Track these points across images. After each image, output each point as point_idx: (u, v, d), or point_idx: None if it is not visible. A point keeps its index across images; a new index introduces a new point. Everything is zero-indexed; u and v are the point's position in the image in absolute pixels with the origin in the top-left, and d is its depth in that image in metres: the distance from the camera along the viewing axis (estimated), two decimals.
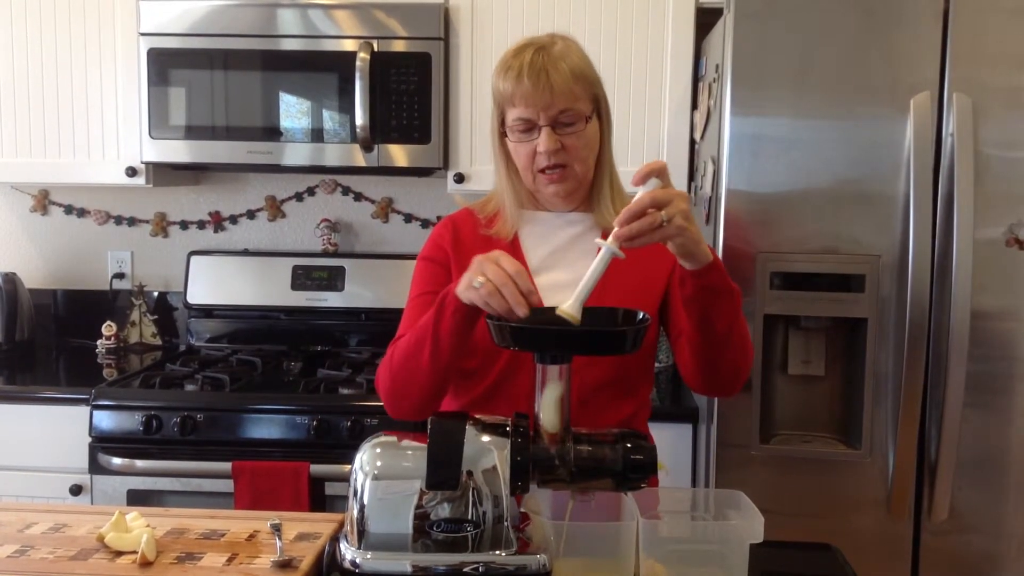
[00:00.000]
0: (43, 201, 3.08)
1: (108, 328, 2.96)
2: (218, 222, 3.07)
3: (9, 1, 2.66)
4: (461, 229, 1.59)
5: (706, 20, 2.48)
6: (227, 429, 2.31)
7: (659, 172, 1.24)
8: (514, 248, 1.55)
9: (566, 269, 1.52)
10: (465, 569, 1.12)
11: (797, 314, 2.12)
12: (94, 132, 2.69)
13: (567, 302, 1.20)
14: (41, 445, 2.40)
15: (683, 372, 1.50)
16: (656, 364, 2.73)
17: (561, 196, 1.54)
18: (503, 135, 1.52)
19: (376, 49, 2.50)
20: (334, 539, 1.23)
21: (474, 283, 1.25)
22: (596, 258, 1.21)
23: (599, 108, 1.52)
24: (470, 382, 1.54)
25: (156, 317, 3.04)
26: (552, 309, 1.22)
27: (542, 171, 1.49)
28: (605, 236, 1.23)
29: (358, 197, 3.03)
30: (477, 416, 1.21)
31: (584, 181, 1.53)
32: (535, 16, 2.54)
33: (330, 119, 2.58)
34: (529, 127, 1.47)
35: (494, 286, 1.23)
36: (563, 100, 1.44)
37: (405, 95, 2.52)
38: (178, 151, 2.60)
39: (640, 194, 1.22)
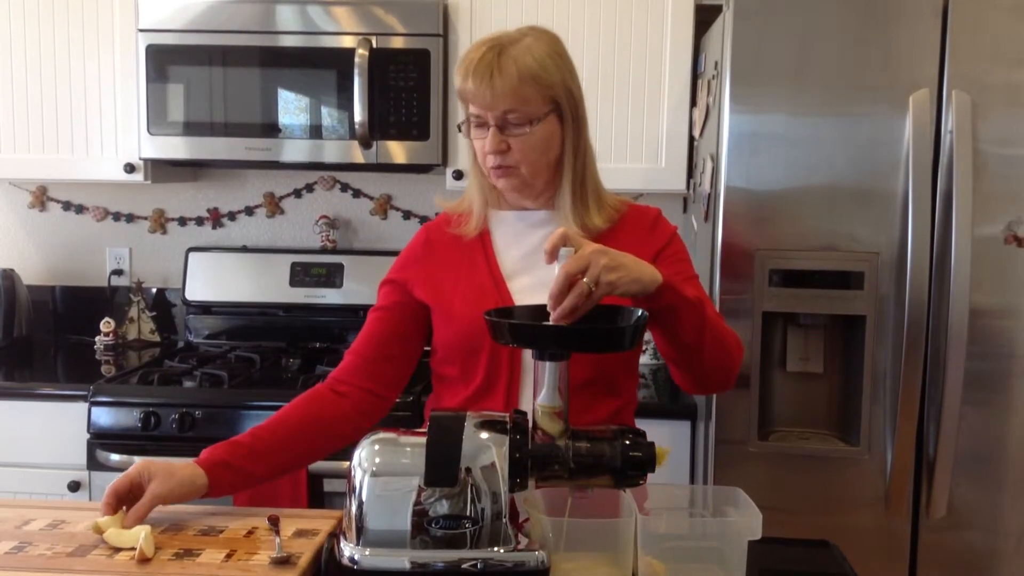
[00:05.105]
0: (41, 197, 3.07)
1: (106, 325, 2.96)
2: (216, 219, 3.06)
3: None
4: (434, 235, 1.60)
5: (705, 17, 2.48)
6: (225, 426, 2.31)
7: (563, 241, 1.20)
8: (485, 248, 1.55)
9: (538, 272, 1.49)
10: (463, 566, 1.12)
11: (796, 311, 2.12)
12: (92, 128, 2.69)
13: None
14: (39, 441, 2.40)
15: (672, 376, 1.49)
16: (655, 360, 2.75)
17: (510, 191, 1.53)
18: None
19: (375, 46, 2.50)
20: (332, 536, 1.23)
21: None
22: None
23: (560, 108, 1.47)
24: (454, 388, 1.54)
25: (154, 314, 3.04)
26: (543, 307, 1.21)
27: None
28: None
29: (357, 194, 3.03)
30: (475, 413, 1.21)
31: (535, 181, 1.50)
32: (534, 12, 2.54)
33: (329, 116, 2.57)
34: (481, 123, 1.46)
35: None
36: (505, 102, 1.42)
37: (404, 92, 2.52)
38: (177, 147, 2.60)
39: (556, 272, 1.18)
